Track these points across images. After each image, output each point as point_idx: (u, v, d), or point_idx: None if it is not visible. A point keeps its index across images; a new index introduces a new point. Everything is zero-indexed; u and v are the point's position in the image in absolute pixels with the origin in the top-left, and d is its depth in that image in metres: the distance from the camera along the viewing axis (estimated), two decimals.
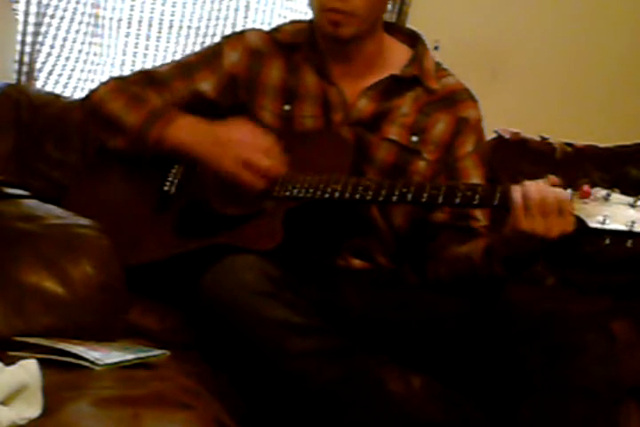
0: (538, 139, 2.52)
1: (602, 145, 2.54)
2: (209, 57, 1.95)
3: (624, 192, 1.52)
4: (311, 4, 1.84)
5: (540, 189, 1.55)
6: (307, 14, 2.55)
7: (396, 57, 1.89)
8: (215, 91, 1.93)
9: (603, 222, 1.51)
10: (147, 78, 1.97)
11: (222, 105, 1.93)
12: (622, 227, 1.50)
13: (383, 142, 1.85)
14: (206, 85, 1.93)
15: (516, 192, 1.57)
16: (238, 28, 2.54)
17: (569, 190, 1.55)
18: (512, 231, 1.59)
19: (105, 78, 2.43)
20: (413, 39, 1.93)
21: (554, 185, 1.57)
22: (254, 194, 1.78)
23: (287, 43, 1.92)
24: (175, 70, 1.96)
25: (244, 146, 1.78)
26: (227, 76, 1.92)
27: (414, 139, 1.86)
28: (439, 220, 1.84)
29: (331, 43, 1.85)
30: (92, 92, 1.98)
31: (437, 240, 1.83)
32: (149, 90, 1.94)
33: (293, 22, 1.99)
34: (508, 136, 2.47)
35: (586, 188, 1.53)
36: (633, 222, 1.49)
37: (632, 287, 2.26)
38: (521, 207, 1.55)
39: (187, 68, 1.96)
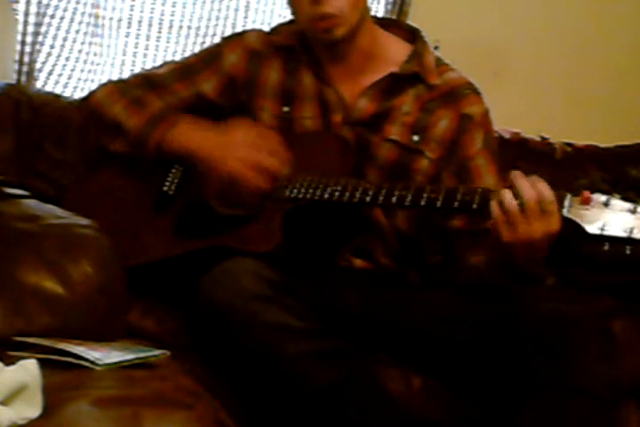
0: (538, 139, 2.52)
1: (602, 145, 2.54)
2: (209, 58, 1.95)
3: (624, 198, 1.51)
4: (296, 14, 1.82)
5: (518, 194, 1.52)
6: None
7: (395, 54, 1.87)
8: (216, 92, 1.93)
9: (602, 229, 1.49)
10: (146, 81, 1.96)
11: (223, 106, 1.93)
12: (621, 233, 1.48)
13: (384, 142, 1.84)
14: (208, 86, 1.93)
15: (494, 205, 1.54)
16: (238, 28, 2.55)
17: (568, 195, 1.53)
18: (497, 243, 1.57)
19: (105, 78, 2.46)
20: (413, 35, 1.90)
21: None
22: (258, 194, 1.77)
23: (283, 44, 1.91)
24: (175, 73, 1.96)
25: (248, 146, 1.78)
26: (227, 78, 1.92)
27: (415, 138, 1.84)
28: (456, 227, 1.81)
29: (324, 45, 1.84)
30: (91, 94, 1.98)
31: (456, 247, 1.82)
32: (150, 93, 1.93)
33: (290, 23, 1.96)
34: (508, 136, 2.47)
35: (586, 194, 1.51)
36: (632, 229, 1.48)
37: (632, 287, 2.26)
38: (500, 221, 1.54)
39: (187, 69, 1.95)
